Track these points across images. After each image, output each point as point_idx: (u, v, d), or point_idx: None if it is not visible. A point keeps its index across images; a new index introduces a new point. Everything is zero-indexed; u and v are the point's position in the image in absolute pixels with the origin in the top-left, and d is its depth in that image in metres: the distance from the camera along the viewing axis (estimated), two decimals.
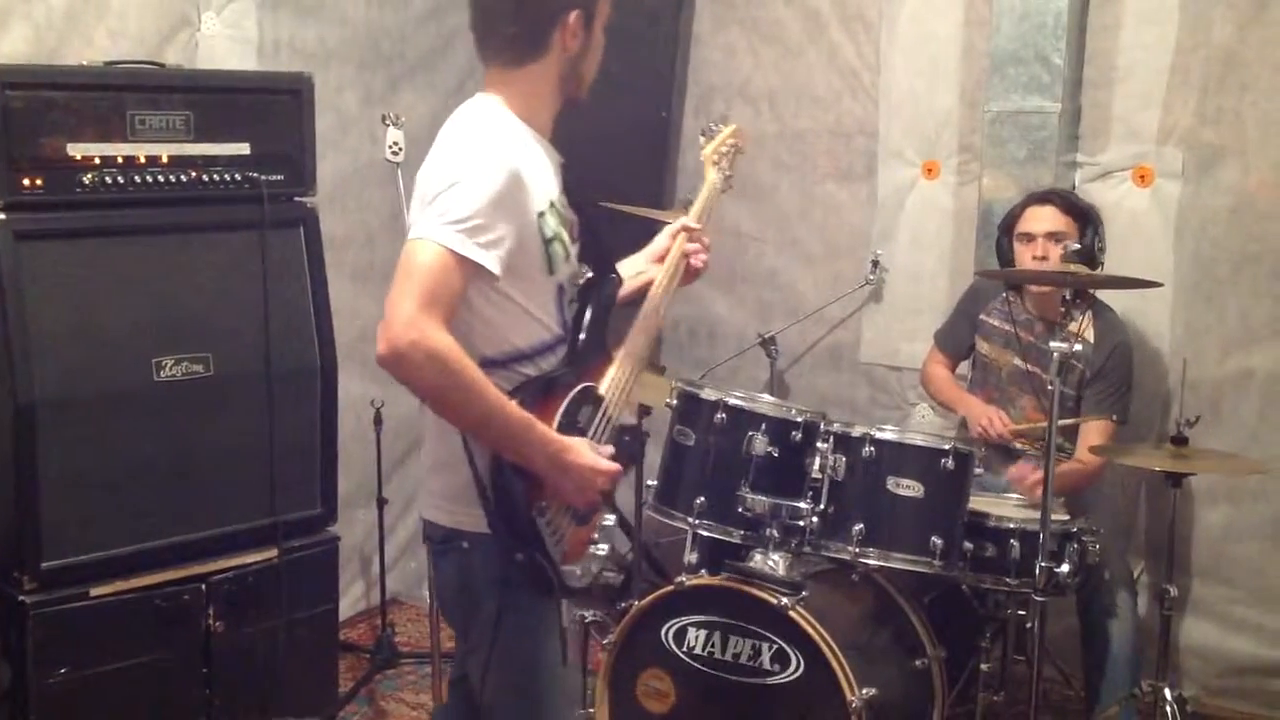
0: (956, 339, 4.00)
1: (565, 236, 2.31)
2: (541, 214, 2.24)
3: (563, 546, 2.27)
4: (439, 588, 2.50)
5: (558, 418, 2.24)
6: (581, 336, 2.36)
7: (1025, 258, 3.69)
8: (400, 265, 2.08)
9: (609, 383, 2.39)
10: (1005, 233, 3.79)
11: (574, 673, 2.51)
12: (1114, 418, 3.70)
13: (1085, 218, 3.70)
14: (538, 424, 2.16)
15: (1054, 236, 3.64)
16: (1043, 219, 3.68)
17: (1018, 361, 3.80)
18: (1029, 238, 3.68)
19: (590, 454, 2.25)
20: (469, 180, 2.13)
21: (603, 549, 2.38)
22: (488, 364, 2.20)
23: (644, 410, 3.99)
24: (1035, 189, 3.83)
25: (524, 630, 2.32)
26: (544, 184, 2.28)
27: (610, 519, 2.39)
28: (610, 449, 2.32)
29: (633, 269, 2.64)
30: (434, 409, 2.16)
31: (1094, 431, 3.69)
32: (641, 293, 2.58)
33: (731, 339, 4.78)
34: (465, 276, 2.10)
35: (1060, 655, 3.93)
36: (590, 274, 2.42)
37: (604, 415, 2.35)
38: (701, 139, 2.82)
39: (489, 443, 2.17)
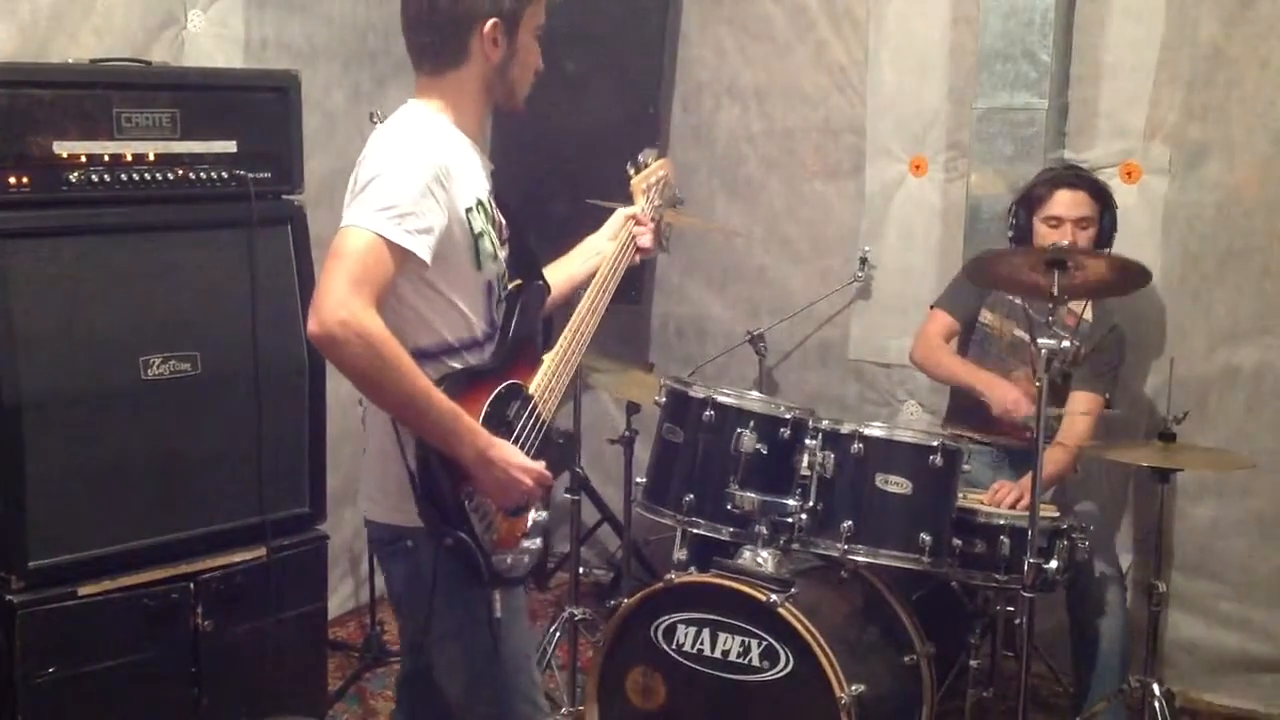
0: (963, 305, 3.90)
1: (493, 234, 2.36)
2: (469, 209, 2.29)
3: (493, 534, 2.27)
4: (390, 590, 2.49)
5: (484, 410, 2.26)
6: (509, 336, 2.39)
7: (1049, 240, 3.63)
8: (331, 250, 2.12)
9: (540, 383, 2.42)
10: (1025, 209, 3.74)
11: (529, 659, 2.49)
12: (1105, 395, 3.70)
13: (1107, 200, 3.71)
14: (465, 415, 2.18)
15: (1082, 222, 3.62)
16: (1075, 205, 3.64)
17: (1019, 332, 3.79)
18: (1057, 221, 3.65)
19: (518, 453, 2.27)
20: (397, 171, 2.18)
21: (536, 543, 2.38)
22: (418, 355, 2.24)
23: (632, 408, 4.00)
24: (1041, 172, 3.81)
25: (481, 621, 2.32)
26: (472, 181, 2.33)
27: (544, 514, 2.40)
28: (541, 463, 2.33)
29: (592, 248, 2.72)
30: (363, 390, 2.16)
31: (1082, 403, 3.69)
32: (581, 289, 2.63)
33: (720, 336, 4.78)
34: (395, 262, 2.14)
35: (1049, 651, 3.95)
36: (519, 281, 2.46)
37: (534, 414, 2.37)
38: (630, 169, 2.87)
39: (416, 429, 2.18)
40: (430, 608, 2.32)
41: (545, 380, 2.43)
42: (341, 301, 2.05)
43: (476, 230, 2.30)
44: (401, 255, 2.14)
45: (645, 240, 2.73)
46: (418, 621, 2.42)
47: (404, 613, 2.51)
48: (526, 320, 2.43)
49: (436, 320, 2.29)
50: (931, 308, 3.99)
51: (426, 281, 2.26)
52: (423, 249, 2.17)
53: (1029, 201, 3.74)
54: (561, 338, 2.52)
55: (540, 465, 2.30)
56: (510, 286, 2.44)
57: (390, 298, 2.21)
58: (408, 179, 2.18)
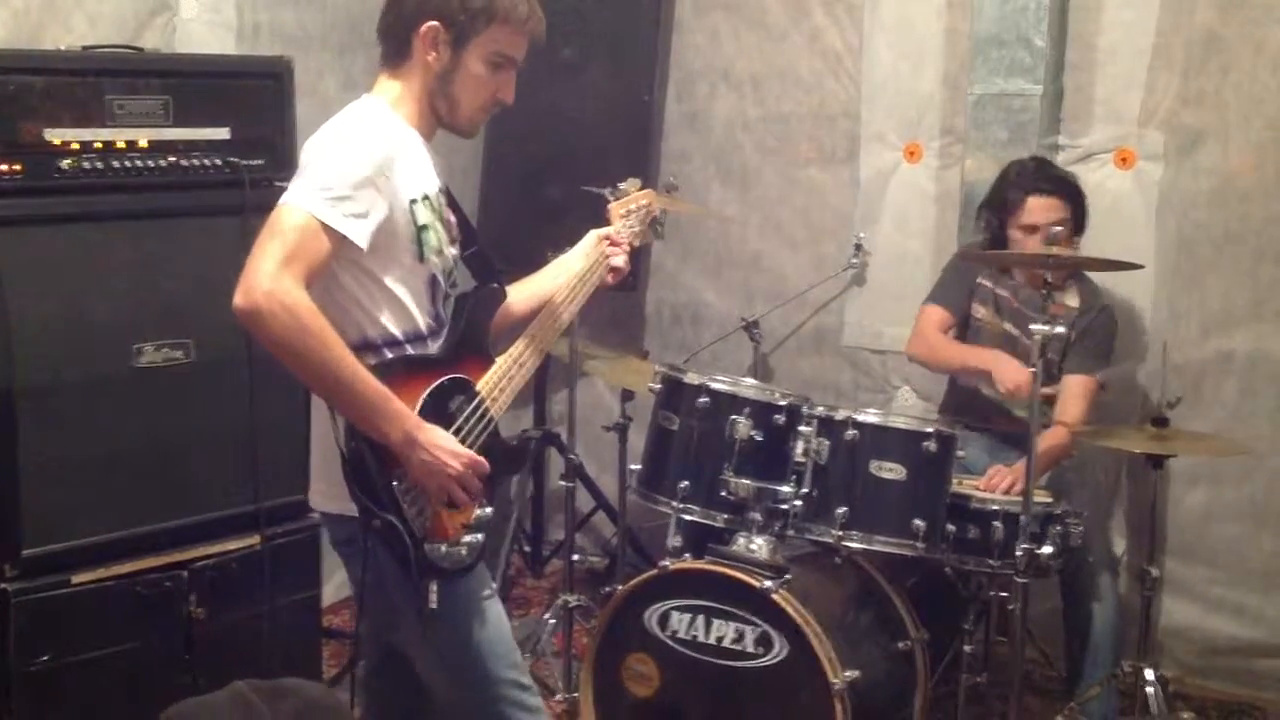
0: (957, 298, 3.90)
1: (439, 229, 2.36)
2: (414, 201, 2.30)
3: (424, 521, 2.25)
4: (354, 587, 2.46)
5: (422, 398, 2.25)
6: (458, 332, 2.39)
7: (1027, 247, 3.64)
8: (265, 226, 2.13)
9: (490, 381, 2.41)
10: (995, 213, 3.75)
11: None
12: (1097, 376, 3.71)
13: (1077, 194, 3.71)
14: (394, 398, 2.17)
15: (1057, 224, 3.62)
16: (1048, 210, 3.64)
17: (1008, 326, 3.80)
18: (1032, 229, 3.64)
19: (448, 438, 2.24)
20: (340, 155, 2.20)
21: (477, 538, 2.33)
22: (362, 346, 2.25)
23: (627, 395, 4.00)
24: (1010, 170, 3.78)
25: (451, 611, 2.31)
26: (419, 175, 2.33)
27: (488, 510, 2.35)
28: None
29: (561, 267, 2.69)
30: (289, 365, 2.14)
31: (1075, 387, 3.69)
32: (549, 296, 2.63)
33: (715, 323, 4.77)
34: (329, 244, 2.14)
35: (1042, 636, 3.95)
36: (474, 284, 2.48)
37: (481, 411, 2.36)
38: (609, 194, 2.90)
39: (343, 409, 2.17)
40: (392, 607, 2.32)
41: (496, 379, 2.42)
42: (269, 274, 2.05)
43: (421, 223, 2.30)
44: (336, 238, 2.14)
45: (618, 260, 2.70)
46: (380, 620, 2.44)
47: (365, 611, 2.47)
48: (477, 319, 2.43)
49: (378, 311, 2.29)
50: (926, 303, 3.98)
51: (367, 271, 2.26)
52: (357, 234, 2.17)
53: (1001, 207, 3.73)
54: (518, 341, 2.51)
55: (473, 454, 2.27)
56: (459, 290, 2.45)
57: (332, 287, 2.23)
58: (348, 164, 2.18)
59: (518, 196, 4.66)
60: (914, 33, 4.29)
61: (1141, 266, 3.52)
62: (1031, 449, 3.10)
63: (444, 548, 2.27)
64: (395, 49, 2.38)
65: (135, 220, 3.04)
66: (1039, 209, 3.65)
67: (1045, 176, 3.72)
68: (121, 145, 2.99)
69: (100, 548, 2.97)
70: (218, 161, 3.13)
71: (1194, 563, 4.05)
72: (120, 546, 3.00)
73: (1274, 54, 3.76)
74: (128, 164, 2.99)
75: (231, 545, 3.18)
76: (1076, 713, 3.49)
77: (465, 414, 2.33)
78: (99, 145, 2.95)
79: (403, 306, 2.33)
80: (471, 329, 2.43)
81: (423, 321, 2.36)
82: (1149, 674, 3.39)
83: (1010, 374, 3.60)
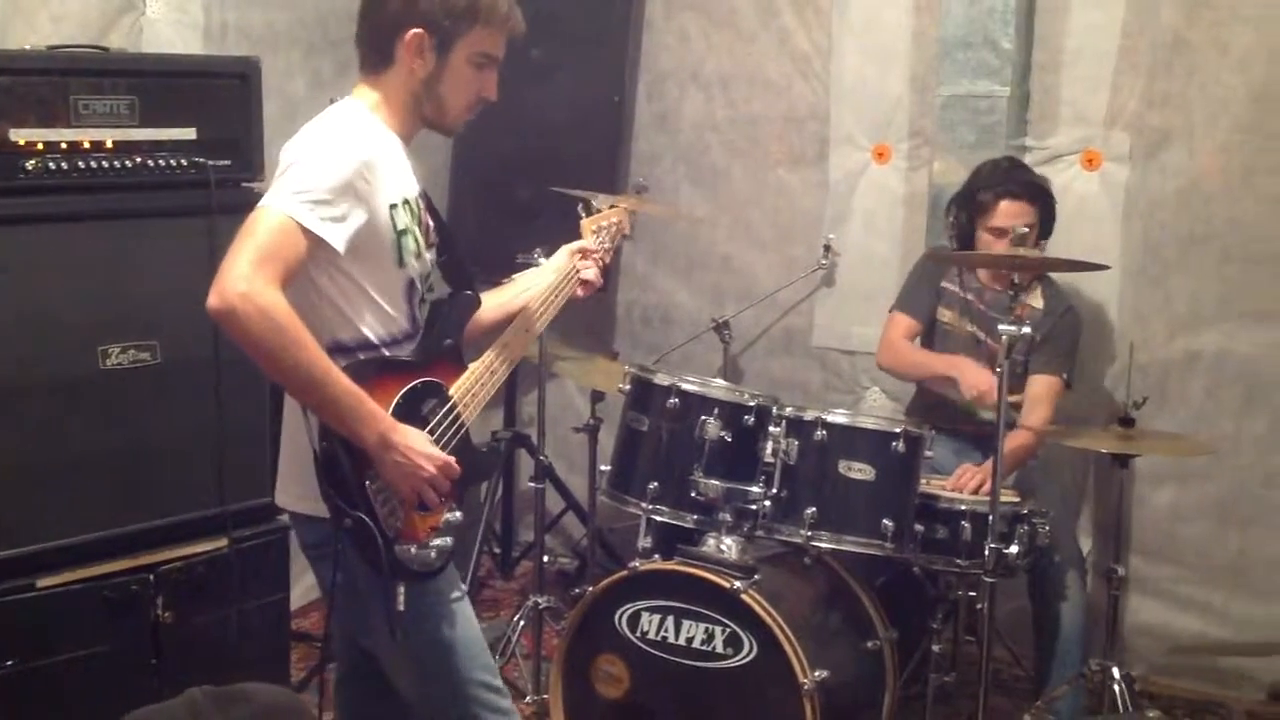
0: (922, 305, 3.93)
1: (418, 234, 2.37)
2: (393, 206, 2.29)
3: (396, 522, 2.24)
4: (323, 590, 2.45)
5: (395, 400, 2.25)
6: (432, 336, 2.40)
7: (993, 249, 3.67)
8: (242, 228, 2.13)
9: (463, 386, 2.41)
10: (966, 211, 3.77)
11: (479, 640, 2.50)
12: (1063, 376, 3.73)
13: (1047, 199, 3.73)
14: (368, 399, 2.17)
15: (1026, 235, 3.64)
16: (1018, 215, 3.65)
17: (973, 329, 3.82)
18: (1001, 232, 3.65)
19: (422, 441, 2.24)
20: (318, 159, 2.19)
21: (447, 541, 2.32)
22: (337, 349, 2.25)
23: (597, 396, 4.00)
24: (982, 171, 3.80)
25: (420, 613, 2.31)
26: (399, 180, 2.33)
27: (458, 514, 2.35)
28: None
29: (531, 280, 2.70)
30: (263, 366, 2.13)
31: (1041, 387, 3.72)
32: (519, 309, 2.63)
33: (685, 324, 4.77)
34: (306, 247, 2.14)
35: (1011, 635, 3.97)
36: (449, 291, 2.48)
37: (453, 415, 2.36)
38: (581, 211, 2.91)
39: (318, 410, 2.17)
40: (364, 608, 2.31)
41: (469, 384, 2.42)
42: (243, 275, 2.05)
43: (400, 227, 2.30)
44: (313, 241, 2.14)
45: (590, 274, 2.72)
46: (352, 624, 2.43)
47: (336, 613, 2.46)
48: (451, 325, 2.44)
49: (354, 314, 2.29)
50: (893, 310, 4.00)
51: (345, 274, 2.26)
52: (335, 237, 2.16)
53: (972, 207, 3.75)
54: (490, 350, 2.51)
55: (448, 457, 2.27)
56: (435, 295, 2.45)
57: (309, 289, 2.23)
58: (328, 168, 2.18)
59: (487, 198, 4.65)
60: (882, 35, 4.31)
61: (1107, 267, 3.55)
62: (998, 449, 3.12)
63: (413, 549, 2.26)
64: (377, 56, 2.37)
65: (101, 221, 3.01)
66: (1010, 213, 3.66)
67: (1018, 180, 3.74)
68: (87, 145, 2.96)
69: (66, 551, 2.95)
70: (184, 162, 3.10)
71: (1160, 561, 4.08)
72: (87, 549, 2.98)
73: (1239, 56, 3.79)
74: (93, 164, 2.96)
75: (199, 548, 3.16)
76: (1044, 711, 3.51)
77: (438, 418, 2.33)
78: (64, 145, 2.92)
79: (379, 310, 2.32)
80: (445, 334, 2.43)
81: (399, 325, 2.36)
82: (1115, 672, 3.42)
83: (974, 379, 3.63)
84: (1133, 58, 3.94)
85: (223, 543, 3.19)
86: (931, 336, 3.94)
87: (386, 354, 2.33)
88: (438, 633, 2.37)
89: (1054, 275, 3.85)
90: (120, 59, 3.23)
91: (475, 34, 2.36)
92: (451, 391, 2.38)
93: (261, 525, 3.28)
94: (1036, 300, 3.77)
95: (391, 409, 2.23)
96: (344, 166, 2.19)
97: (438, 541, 2.31)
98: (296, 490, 2.36)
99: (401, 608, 2.24)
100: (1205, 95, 3.86)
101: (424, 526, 2.30)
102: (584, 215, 2.89)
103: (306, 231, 2.13)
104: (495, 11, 2.37)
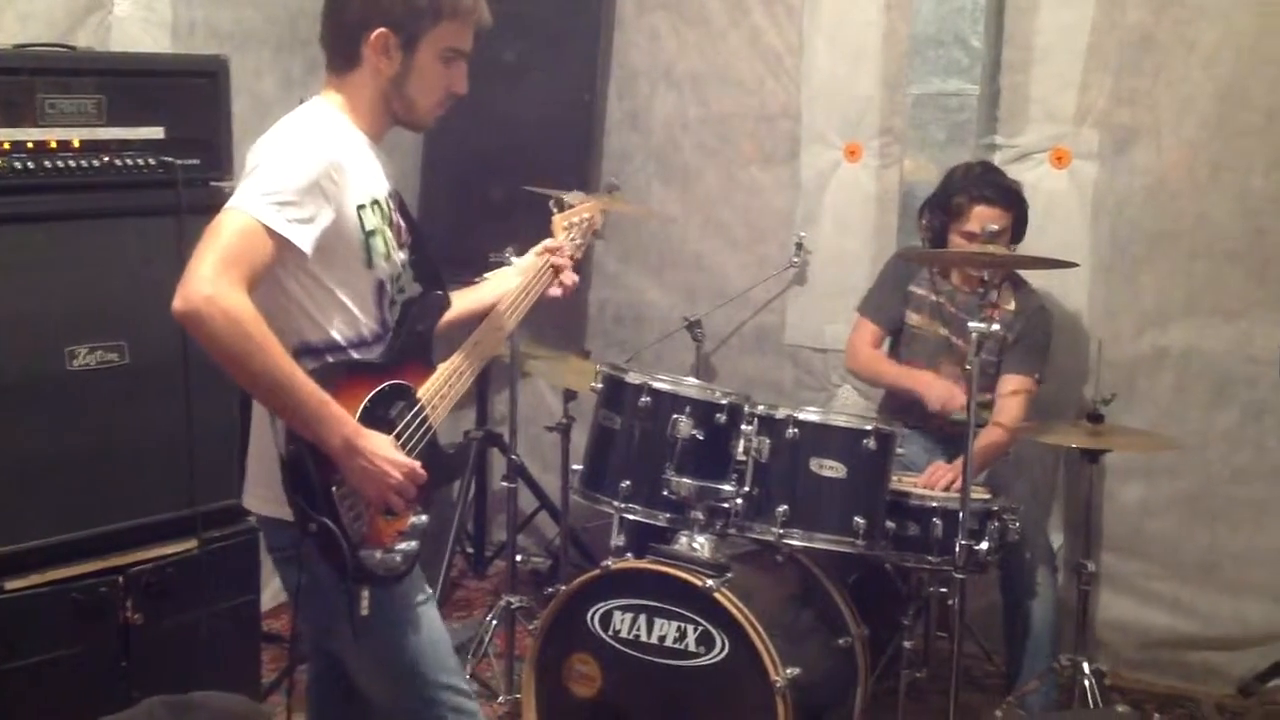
0: (887, 311, 3.95)
1: (388, 234, 2.35)
2: (361, 207, 2.28)
3: (361, 527, 2.23)
4: (290, 595, 2.43)
5: (363, 404, 2.23)
6: (401, 338, 2.38)
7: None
8: (207, 230, 2.11)
9: (431, 389, 2.40)
10: (939, 215, 3.78)
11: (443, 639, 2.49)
12: (1035, 375, 3.75)
13: (1020, 204, 3.75)
14: (333, 403, 2.15)
15: (998, 233, 3.65)
16: (991, 219, 3.64)
17: (943, 332, 3.83)
18: (973, 237, 3.66)
19: (388, 446, 2.23)
20: (285, 160, 2.18)
21: (412, 545, 2.31)
22: (305, 351, 2.24)
23: (569, 395, 4.00)
24: (957, 174, 3.81)
25: (385, 617, 2.30)
26: (368, 180, 2.32)
27: (423, 518, 2.34)
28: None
29: (502, 281, 2.68)
30: (228, 370, 2.11)
31: (1013, 386, 3.74)
32: (489, 310, 2.61)
33: (657, 322, 4.78)
34: (273, 249, 2.12)
35: (982, 631, 3.99)
36: (420, 290, 2.46)
37: (420, 418, 2.34)
38: (553, 207, 2.91)
39: (282, 414, 2.15)
40: (328, 611, 2.30)
41: (437, 387, 2.41)
42: (208, 278, 2.03)
43: (368, 228, 2.29)
44: (279, 243, 2.13)
45: (568, 279, 2.70)
46: (318, 628, 2.43)
47: (302, 617, 2.46)
48: (421, 326, 2.42)
49: (322, 316, 2.28)
50: (858, 313, 4.02)
51: (312, 276, 2.25)
52: (302, 239, 2.15)
53: (945, 210, 3.76)
54: (459, 351, 2.50)
55: (414, 462, 2.25)
56: (406, 294, 2.44)
57: (276, 291, 2.22)
58: (295, 169, 2.17)
59: (459, 197, 4.64)
60: (852, 33, 4.32)
61: (1076, 265, 3.56)
62: (968, 446, 3.13)
63: (379, 554, 2.25)
64: (343, 57, 2.35)
65: (68, 221, 2.98)
66: (984, 218, 3.66)
67: (993, 184, 3.74)
68: (53, 145, 2.93)
69: (34, 553, 2.92)
70: (152, 161, 3.08)
71: (1130, 556, 4.11)
72: (54, 552, 2.96)
73: (1206, 53, 3.82)
74: (60, 164, 2.94)
75: (168, 549, 3.14)
76: (1015, 706, 3.53)
77: (405, 420, 2.31)
78: (30, 145, 2.89)
79: (348, 312, 2.31)
80: (415, 336, 2.41)
81: (367, 327, 2.35)
82: (1086, 667, 3.44)
83: (938, 393, 3.68)
84: (1101, 56, 3.97)
85: (192, 544, 3.17)
86: (899, 341, 3.96)
87: (354, 356, 2.31)
88: (402, 637, 2.36)
89: (1025, 276, 3.87)
90: (87, 57, 3.21)
91: (441, 29, 2.35)
92: (420, 394, 2.37)
93: (232, 526, 3.26)
94: (1009, 302, 3.78)
95: (359, 412, 2.22)
96: (311, 167, 2.18)
97: (403, 546, 2.30)
98: (263, 493, 2.35)
99: (365, 613, 2.22)
100: (1173, 93, 3.89)
101: (389, 531, 2.29)
102: (556, 211, 2.89)
103: (273, 233, 2.11)
104: (459, 5, 2.36)
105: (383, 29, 2.30)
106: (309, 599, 2.32)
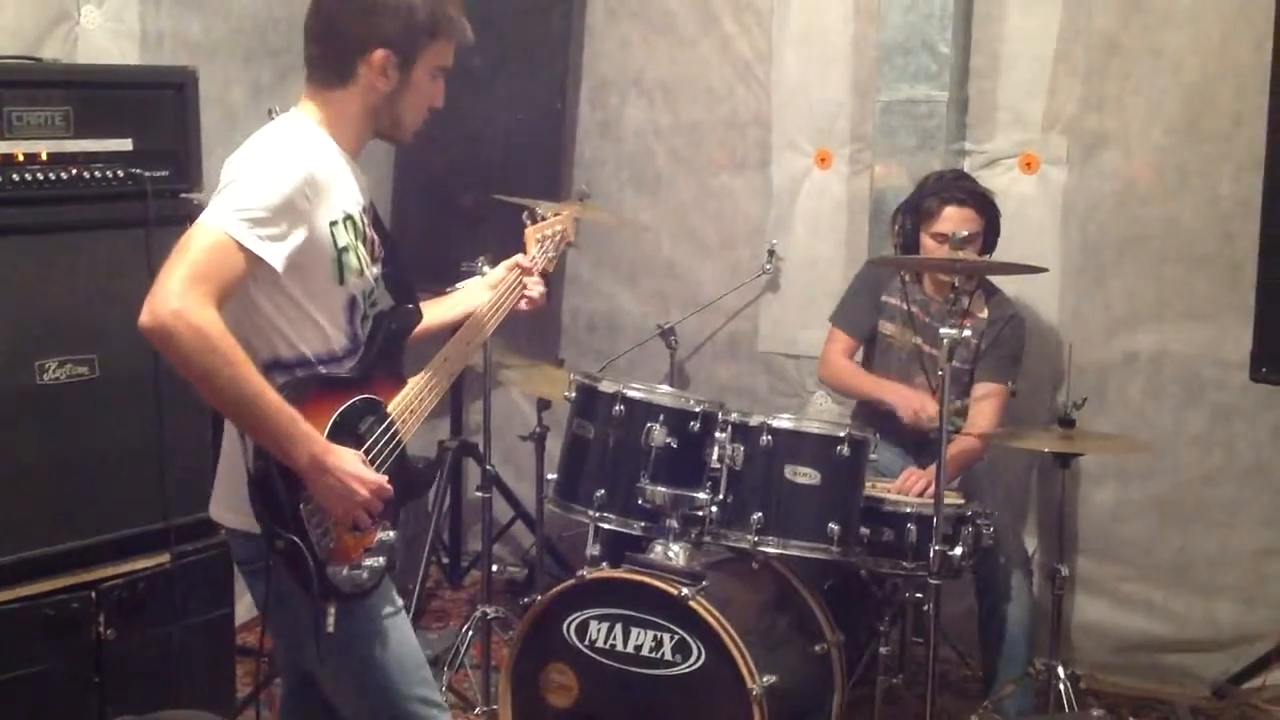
0: (860, 321, 3.97)
1: (361, 250, 2.34)
2: (334, 223, 2.27)
3: (329, 543, 2.22)
4: (260, 607, 2.41)
5: (333, 419, 2.23)
6: (373, 352, 2.37)
7: (936, 254, 3.69)
8: (178, 244, 2.10)
9: (401, 403, 2.39)
10: (911, 218, 3.79)
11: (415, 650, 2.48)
12: (1008, 384, 3.76)
13: (992, 211, 3.76)
14: (301, 419, 2.14)
15: (969, 238, 3.67)
16: (962, 222, 3.67)
17: (916, 340, 3.84)
18: (944, 238, 3.68)
19: (355, 463, 2.22)
20: (259, 176, 2.17)
21: (379, 561, 2.31)
22: (275, 366, 2.24)
23: (543, 404, 3.99)
24: (929, 180, 3.83)
25: (353, 632, 2.29)
26: (341, 196, 2.31)
27: (391, 534, 2.33)
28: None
29: (472, 294, 2.68)
30: (195, 385, 2.10)
31: (986, 394, 3.75)
32: (459, 322, 2.62)
33: (631, 330, 4.78)
34: (243, 265, 2.11)
35: (959, 636, 4.00)
36: (392, 303, 2.46)
37: (390, 433, 2.34)
38: (526, 219, 2.92)
39: (250, 431, 2.14)
40: (298, 625, 2.29)
41: (408, 401, 2.40)
42: (176, 293, 2.02)
43: (341, 245, 2.28)
44: (251, 259, 2.12)
45: (534, 291, 2.72)
46: (289, 642, 2.42)
47: (273, 631, 2.44)
48: (392, 340, 2.41)
49: (294, 332, 2.27)
50: (831, 323, 4.03)
51: (283, 292, 2.24)
52: (273, 255, 2.14)
53: (917, 213, 3.78)
54: (430, 364, 2.50)
55: (381, 478, 2.24)
56: (379, 307, 2.43)
57: (247, 307, 2.21)
58: (268, 185, 2.15)
59: (431, 206, 4.63)
60: (822, 41, 4.34)
61: (1045, 270, 3.58)
62: (941, 452, 3.14)
63: (345, 571, 2.24)
64: (336, 73, 2.33)
65: (36, 234, 2.97)
66: (953, 219, 3.68)
67: (964, 188, 3.77)
68: (20, 158, 2.92)
69: (5, 569, 2.90)
70: (120, 173, 3.06)
71: (1104, 560, 4.13)
72: (26, 567, 2.93)
73: (1172, 59, 3.85)
74: (28, 176, 2.92)
75: (141, 564, 3.12)
76: (991, 711, 3.54)
77: (375, 435, 2.30)
78: None
79: (319, 328, 2.30)
80: (386, 349, 2.40)
81: (339, 342, 2.34)
82: (1061, 671, 3.45)
83: (911, 404, 3.69)
84: (1069, 62, 3.99)
85: (165, 558, 3.15)
86: (873, 350, 3.97)
87: (324, 371, 2.30)
88: (371, 651, 2.35)
89: (998, 284, 3.88)
90: (54, 69, 3.19)
91: (435, 48, 2.36)
92: (390, 408, 2.36)
93: (205, 540, 3.23)
94: (981, 310, 3.80)
95: (328, 427, 2.21)
96: (284, 184, 2.17)
97: (370, 561, 2.29)
98: (231, 504, 2.33)
99: (331, 629, 2.22)
100: (1140, 98, 3.92)
101: (357, 548, 2.28)
102: (529, 224, 2.89)
103: (244, 249, 2.10)
104: (453, 25, 2.38)
105: (384, 50, 2.30)
106: (278, 614, 2.31)
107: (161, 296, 2.02)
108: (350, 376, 2.33)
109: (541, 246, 2.83)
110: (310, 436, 2.15)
